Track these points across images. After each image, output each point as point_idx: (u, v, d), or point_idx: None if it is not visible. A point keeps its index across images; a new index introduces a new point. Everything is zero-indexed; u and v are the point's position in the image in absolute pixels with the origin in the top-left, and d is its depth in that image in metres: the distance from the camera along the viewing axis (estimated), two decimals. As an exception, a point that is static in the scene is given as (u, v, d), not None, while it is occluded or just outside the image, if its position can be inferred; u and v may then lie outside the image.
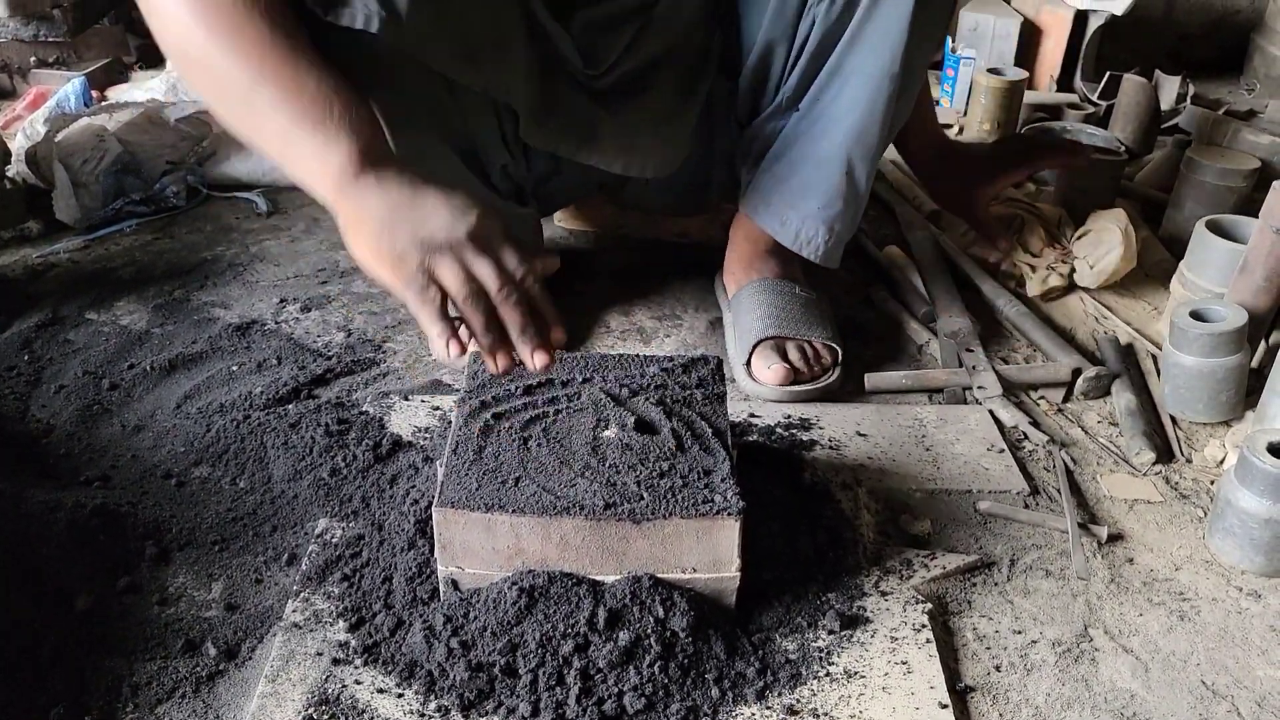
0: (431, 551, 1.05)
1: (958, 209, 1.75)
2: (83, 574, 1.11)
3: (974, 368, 1.52)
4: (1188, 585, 1.18)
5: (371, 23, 1.07)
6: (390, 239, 0.94)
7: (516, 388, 1.13)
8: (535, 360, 0.96)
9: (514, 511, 0.97)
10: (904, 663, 1.03)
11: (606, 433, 1.07)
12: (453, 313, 0.96)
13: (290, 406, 1.39)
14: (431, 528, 1.02)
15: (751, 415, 1.42)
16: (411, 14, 1.08)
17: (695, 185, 1.63)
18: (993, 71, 2.29)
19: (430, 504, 1.07)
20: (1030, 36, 2.59)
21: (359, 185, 0.96)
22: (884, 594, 1.11)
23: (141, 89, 2.14)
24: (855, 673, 1.01)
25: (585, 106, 1.36)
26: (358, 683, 0.99)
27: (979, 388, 1.48)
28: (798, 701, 0.98)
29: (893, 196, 2.02)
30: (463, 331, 1.52)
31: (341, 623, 1.05)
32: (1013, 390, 1.49)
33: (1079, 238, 1.75)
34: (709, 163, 1.55)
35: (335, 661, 1.01)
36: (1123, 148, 2.10)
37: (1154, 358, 1.56)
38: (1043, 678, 1.05)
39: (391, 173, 0.97)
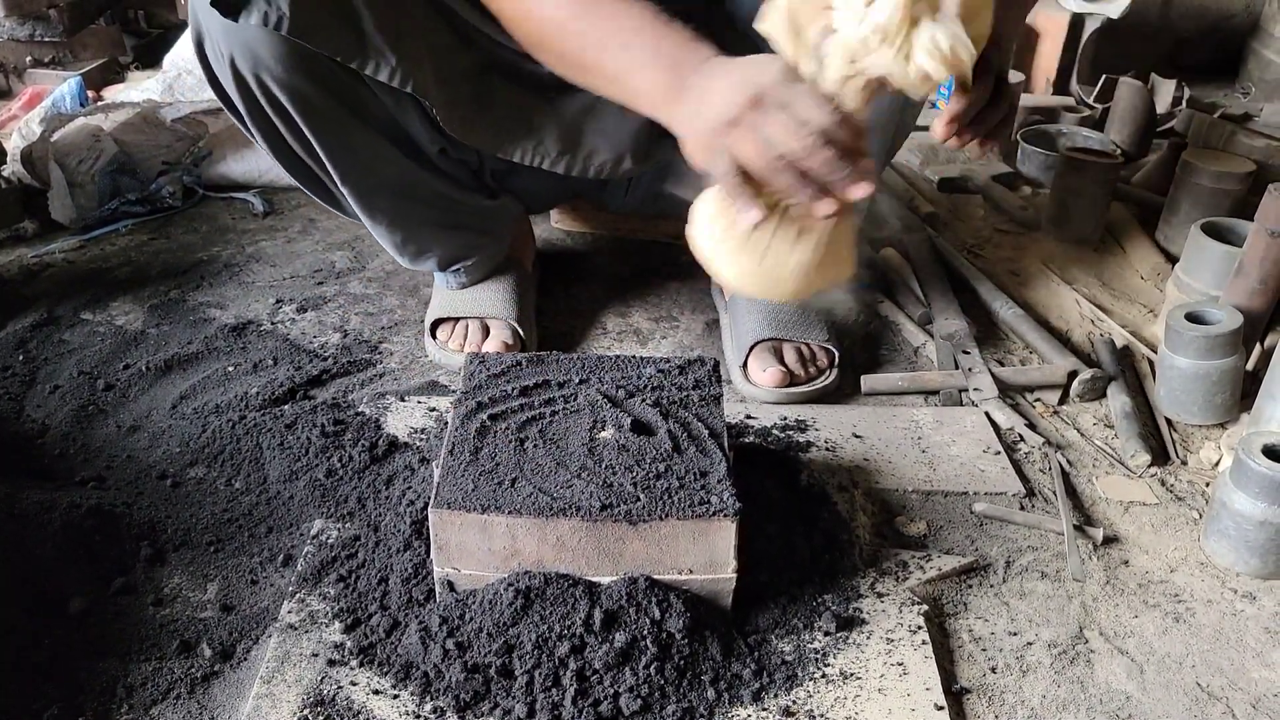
0: (427, 553, 1.05)
1: None
2: (77, 575, 1.11)
3: (970, 370, 1.52)
4: (1183, 587, 1.18)
5: (261, 18, 1.11)
6: (727, 94, 0.96)
7: (513, 389, 1.13)
8: (859, 191, 0.97)
9: (510, 513, 0.97)
10: (900, 664, 1.03)
11: (603, 434, 1.07)
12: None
13: (286, 407, 1.39)
14: (427, 529, 1.01)
15: (748, 417, 1.42)
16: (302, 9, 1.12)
17: (680, 184, 1.61)
18: (989, 74, 2.29)
19: (426, 505, 1.07)
20: (1027, 40, 2.60)
21: (689, 85, 1.01)
22: (880, 595, 1.11)
23: (137, 89, 2.13)
24: (851, 674, 1.01)
25: (523, 100, 1.34)
26: (353, 684, 0.99)
27: (975, 390, 1.48)
28: (794, 703, 0.98)
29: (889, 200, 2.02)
30: (457, 332, 1.54)
31: (337, 624, 1.05)
32: (1008, 392, 1.49)
33: None
34: (687, 168, 1.51)
35: (331, 663, 1.01)
36: (1118, 151, 2.11)
37: (1149, 360, 1.56)
38: (1038, 679, 1.05)
39: (713, 63, 1.01)
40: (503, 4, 1.12)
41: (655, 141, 1.43)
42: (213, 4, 1.12)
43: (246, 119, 1.28)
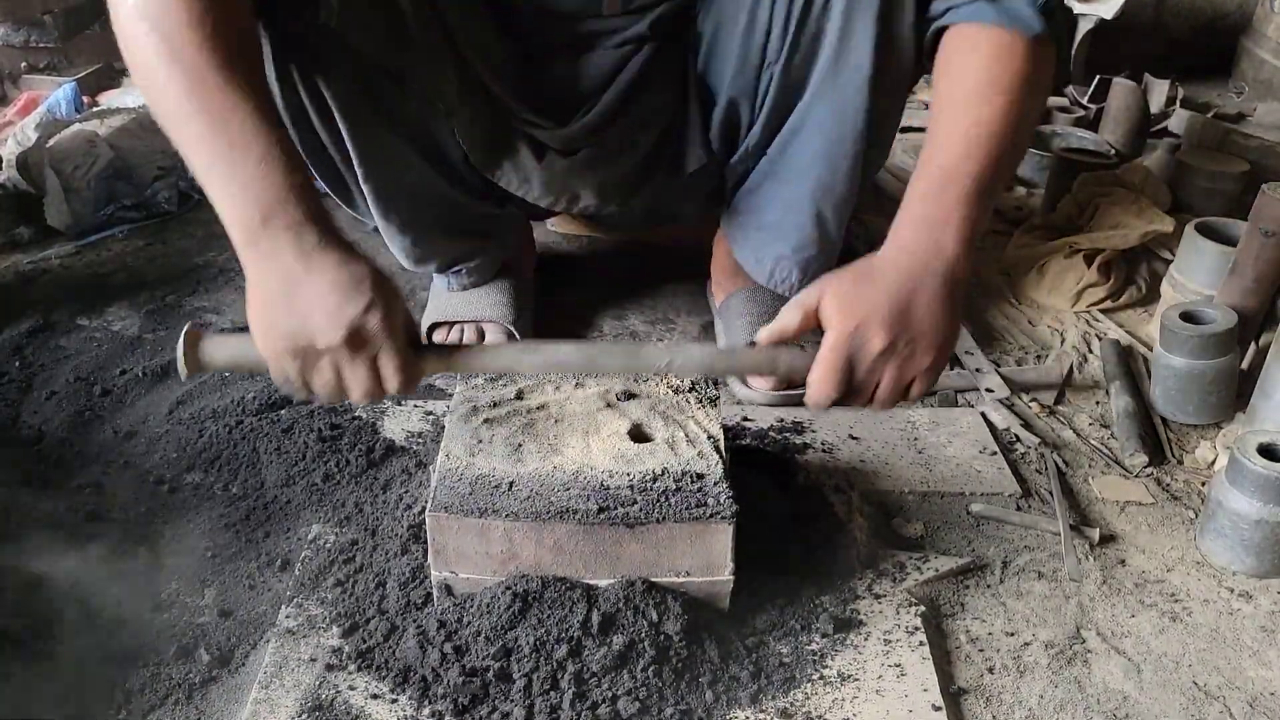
0: (425, 557, 1.05)
1: None
2: (75, 581, 1.11)
3: (977, 370, 1.52)
4: (1179, 587, 1.18)
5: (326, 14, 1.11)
6: (270, 328, 0.95)
7: (510, 392, 1.13)
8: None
9: (508, 516, 0.97)
10: (897, 665, 1.03)
11: (600, 437, 1.07)
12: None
13: (283, 412, 1.38)
14: (425, 533, 1.02)
15: (744, 419, 1.42)
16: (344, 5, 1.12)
17: (665, 214, 1.62)
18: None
19: (424, 509, 1.07)
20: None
21: (260, 243, 0.94)
22: (877, 597, 1.11)
23: (133, 94, 2.13)
24: (849, 675, 1.02)
25: (519, 146, 1.35)
26: (351, 688, 0.99)
27: (986, 390, 1.49)
28: (791, 705, 0.98)
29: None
30: (452, 336, 1.54)
31: (335, 628, 1.05)
32: (1014, 392, 1.50)
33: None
34: (677, 193, 1.53)
35: (329, 667, 1.01)
36: (1112, 151, 2.12)
37: (1145, 360, 1.57)
38: (1036, 680, 1.05)
39: (293, 234, 0.94)
40: (123, 50, 1.01)
41: (640, 186, 1.46)
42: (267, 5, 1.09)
43: (281, 108, 1.25)
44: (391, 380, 0.96)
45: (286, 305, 0.93)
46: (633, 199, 1.47)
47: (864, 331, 0.98)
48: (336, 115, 1.26)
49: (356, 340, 0.93)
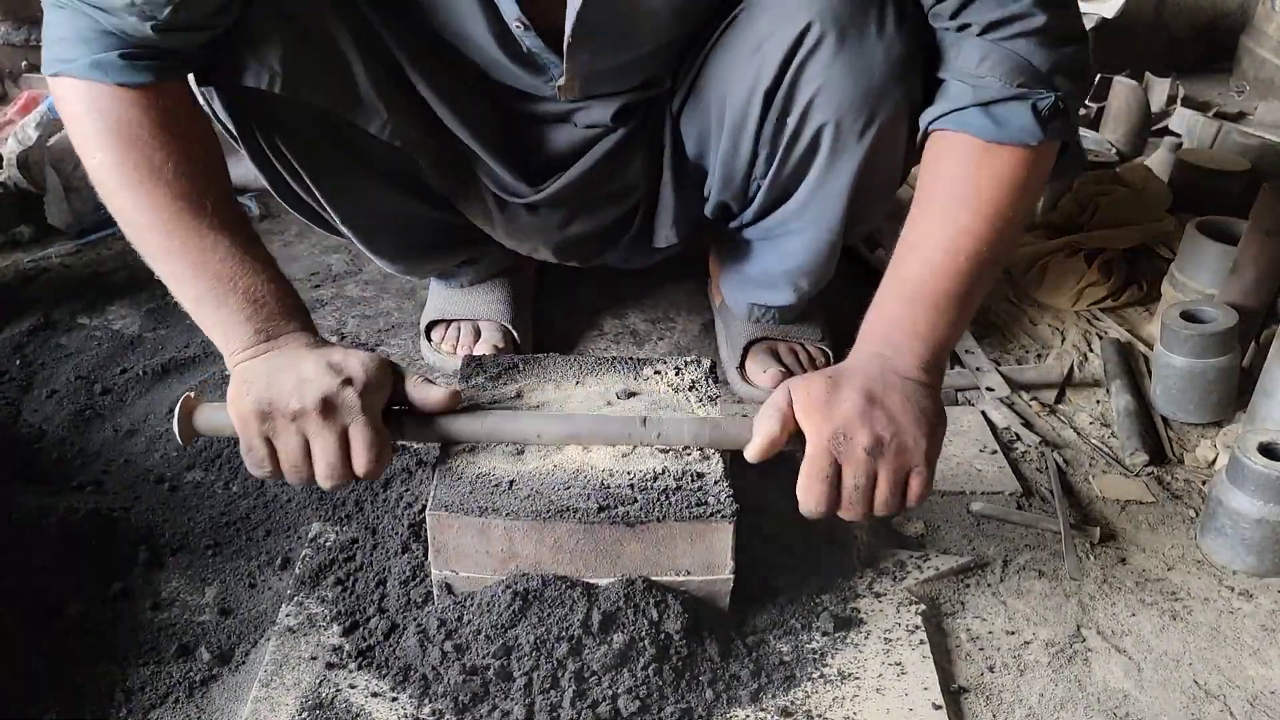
0: (425, 555, 1.05)
1: None
2: (75, 579, 1.11)
3: (978, 369, 1.52)
4: (1180, 585, 1.18)
5: (260, 80, 1.10)
6: (244, 395, 0.95)
7: (511, 391, 1.13)
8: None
9: (508, 515, 0.97)
10: (898, 664, 1.03)
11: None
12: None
13: (283, 410, 1.38)
14: (425, 531, 1.02)
15: (744, 417, 1.41)
16: (286, 66, 1.11)
17: (643, 256, 1.62)
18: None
19: (424, 508, 1.07)
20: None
21: (254, 352, 1.00)
22: (878, 595, 1.11)
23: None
24: (849, 674, 1.01)
25: (487, 197, 1.33)
26: (352, 687, 0.99)
27: (987, 389, 1.49)
28: (792, 703, 0.98)
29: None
30: (449, 334, 1.54)
31: (335, 627, 1.05)
32: (1016, 390, 1.50)
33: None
34: (644, 255, 1.52)
35: (329, 665, 1.01)
36: (1113, 150, 2.12)
37: (1146, 359, 1.57)
38: (1036, 678, 1.05)
39: (280, 342, 1.00)
40: (102, 200, 1.05)
41: (603, 251, 1.45)
42: (200, 81, 1.12)
43: (248, 157, 1.26)
44: (360, 457, 0.95)
45: (266, 378, 0.96)
46: (593, 259, 1.47)
47: (845, 433, 0.94)
48: (298, 166, 1.24)
49: (327, 407, 0.93)
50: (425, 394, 1.00)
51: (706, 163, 1.33)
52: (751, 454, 0.99)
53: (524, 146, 1.30)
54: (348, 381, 0.95)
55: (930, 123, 1.07)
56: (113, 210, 1.03)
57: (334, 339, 1.59)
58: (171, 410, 1.00)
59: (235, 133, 1.21)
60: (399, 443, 1.06)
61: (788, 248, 1.36)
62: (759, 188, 1.30)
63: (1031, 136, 1.00)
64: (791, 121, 1.18)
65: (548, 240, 1.39)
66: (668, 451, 1.04)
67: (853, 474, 0.95)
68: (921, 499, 0.98)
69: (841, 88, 1.12)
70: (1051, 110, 1.01)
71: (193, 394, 1.02)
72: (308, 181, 1.26)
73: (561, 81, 1.20)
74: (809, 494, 0.96)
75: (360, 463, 0.96)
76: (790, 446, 0.98)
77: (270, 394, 0.94)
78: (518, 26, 1.12)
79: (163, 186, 0.99)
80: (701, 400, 1.12)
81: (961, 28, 1.04)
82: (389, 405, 1.00)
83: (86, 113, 1.00)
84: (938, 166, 1.06)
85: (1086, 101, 2.39)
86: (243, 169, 2.03)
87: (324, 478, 0.96)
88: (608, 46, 1.17)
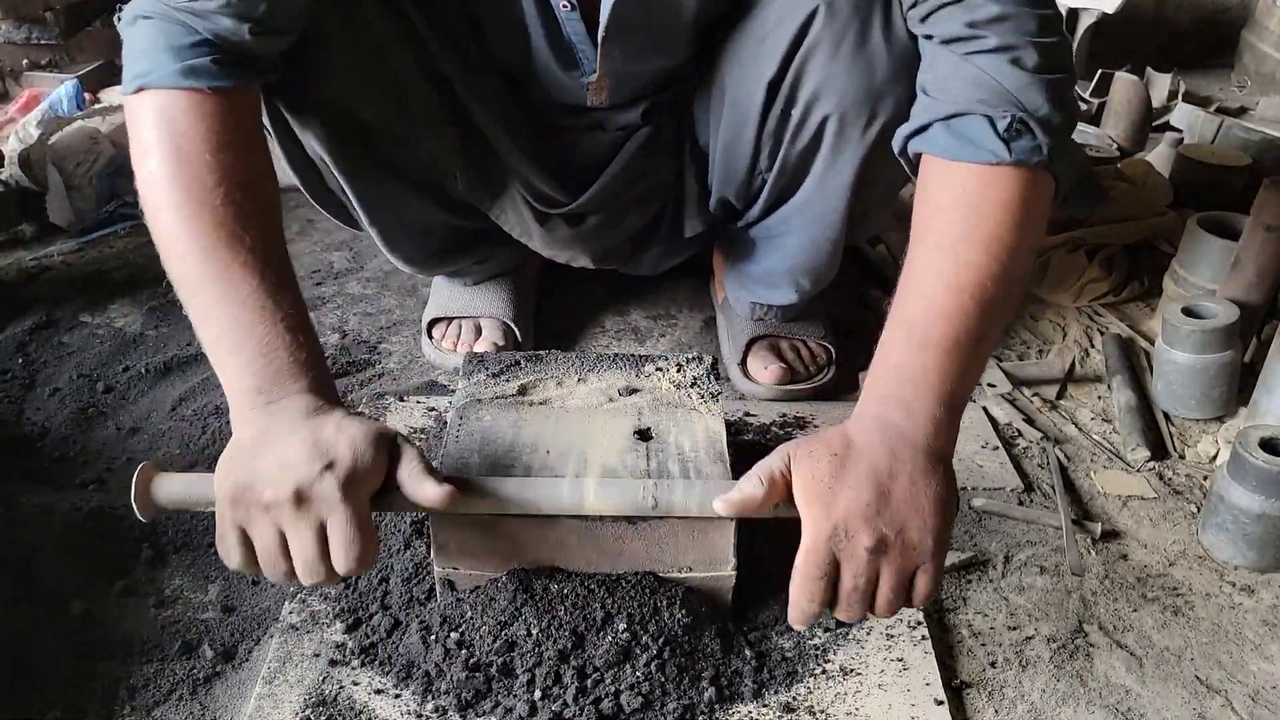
0: (428, 552, 1.05)
1: None
2: (79, 577, 1.11)
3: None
4: (1181, 581, 1.18)
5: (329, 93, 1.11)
6: (225, 476, 0.88)
7: (513, 388, 1.13)
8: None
9: (510, 512, 0.97)
10: (900, 659, 1.03)
11: (602, 433, 1.07)
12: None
13: (285, 408, 1.38)
14: (427, 528, 1.02)
15: (747, 414, 1.42)
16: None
17: (673, 254, 1.63)
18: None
19: (426, 505, 1.07)
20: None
21: (253, 414, 0.91)
22: (879, 591, 1.11)
23: (134, 91, 2.13)
24: (851, 670, 1.02)
25: (522, 205, 1.35)
26: (355, 683, 0.99)
27: (988, 385, 1.49)
28: (794, 699, 0.98)
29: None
30: (450, 332, 1.54)
31: (339, 623, 1.05)
32: (1018, 386, 1.50)
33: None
34: (674, 253, 1.54)
35: (332, 662, 1.01)
36: (1114, 145, 2.12)
37: (1147, 355, 1.57)
38: (1038, 674, 1.05)
39: (280, 406, 0.90)
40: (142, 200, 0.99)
41: (639, 252, 1.48)
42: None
43: (282, 155, 1.26)
44: (341, 556, 0.86)
45: (251, 456, 0.88)
46: (630, 261, 1.50)
47: (847, 531, 0.86)
48: (334, 168, 1.25)
49: (301, 499, 0.85)
50: (419, 490, 0.89)
51: (717, 165, 1.34)
52: (720, 507, 0.91)
53: (559, 158, 1.32)
54: (329, 467, 0.85)
55: (905, 141, 1.04)
56: (154, 232, 0.98)
57: (335, 336, 1.59)
58: (129, 483, 0.91)
59: (270, 129, 1.21)
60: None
61: (790, 246, 1.37)
62: (762, 182, 1.30)
63: (992, 154, 0.94)
64: (796, 113, 1.18)
65: (586, 248, 1.40)
66: (670, 448, 1.04)
67: (852, 574, 0.88)
68: (928, 599, 0.91)
69: (846, 81, 1.13)
70: (1012, 128, 0.94)
71: (152, 463, 0.94)
72: (340, 180, 1.27)
73: (594, 78, 1.22)
74: (803, 592, 0.88)
75: (339, 560, 0.86)
76: (769, 515, 0.92)
77: (248, 479, 0.87)
78: (564, 7, 1.13)
79: (207, 211, 0.94)
80: (703, 396, 1.13)
81: (928, 37, 1.02)
82: (383, 488, 0.90)
83: (156, 123, 0.96)
84: (926, 194, 1.00)
85: (1088, 96, 2.39)
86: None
87: (301, 574, 0.88)
88: (639, 42, 1.19)
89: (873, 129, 1.15)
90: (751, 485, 0.90)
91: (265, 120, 1.18)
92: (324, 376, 0.96)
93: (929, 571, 0.89)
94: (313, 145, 1.23)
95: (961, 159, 0.96)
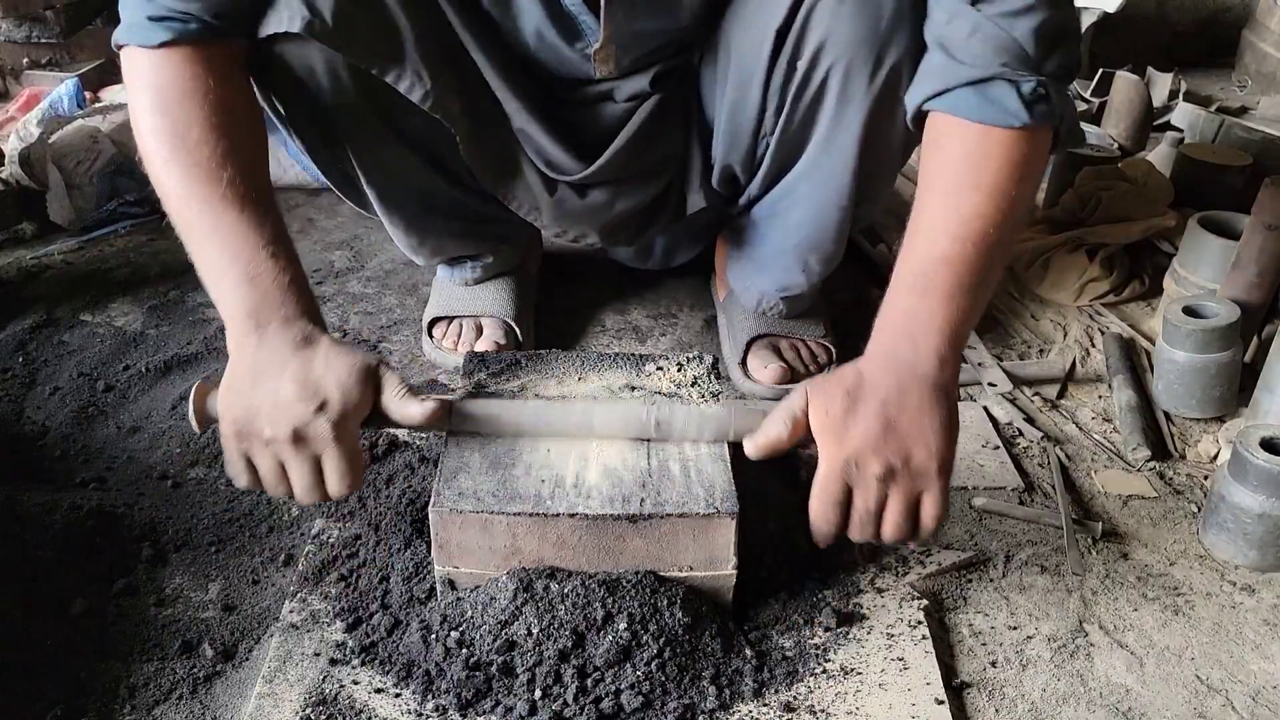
0: (428, 551, 1.05)
1: None
2: (79, 576, 1.11)
3: (980, 365, 1.52)
4: (1182, 580, 1.18)
5: (294, 23, 1.10)
6: (226, 410, 0.98)
7: (513, 386, 1.13)
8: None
9: (510, 511, 0.97)
10: (900, 659, 1.03)
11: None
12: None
13: (286, 407, 1.38)
14: (428, 527, 1.02)
15: (756, 410, 1.41)
16: (335, 17, 1.12)
17: (669, 254, 1.66)
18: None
19: (427, 504, 1.07)
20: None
21: (245, 340, 0.99)
22: (880, 591, 1.11)
23: (135, 90, 2.13)
24: (852, 669, 1.02)
25: (533, 176, 1.35)
26: (355, 682, 0.99)
27: (989, 384, 1.49)
28: (795, 698, 0.98)
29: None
30: (451, 331, 1.54)
31: (339, 623, 1.05)
32: (1019, 385, 1.50)
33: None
34: (679, 235, 1.55)
35: (333, 661, 1.01)
36: (1115, 145, 2.11)
37: (1148, 354, 1.57)
38: (1038, 673, 1.05)
39: (278, 330, 0.99)
40: (141, 148, 1.06)
41: (645, 229, 1.47)
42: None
43: (284, 120, 1.28)
44: (335, 483, 0.98)
45: (248, 393, 0.97)
46: (637, 240, 1.50)
47: (858, 461, 0.96)
48: (335, 126, 1.26)
49: (299, 437, 0.96)
50: (405, 411, 1.00)
51: (722, 130, 1.33)
52: (751, 450, 1.00)
53: (569, 129, 1.32)
54: (321, 408, 0.95)
55: (923, 103, 1.07)
56: (153, 183, 1.05)
57: (336, 335, 1.59)
58: (185, 396, 1.02)
59: (274, 87, 1.22)
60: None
61: (796, 219, 1.36)
62: (766, 146, 1.30)
63: (1017, 119, 1.01)
64: (801, 65, 1.18)
65: (595, 222, 1.40)
66: (671, 446, 1.04)
67: (863, 499, 0.97)
68: (936, 520, 0.98)
69: (851, 28, 1.13)
70: (1034, 94, 1.01)
71: (207, 382, 1.03)
72: (344, 148, 1.29)
73: (598, 45, 1.21)
74: (819, 517, 0.98)
75: (333, 487, 0.99)
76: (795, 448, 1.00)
77: (246, 415, 0.97)
78: None
79: (182, 153, 1.01)
80: (703, 394, 1.12)
81: None
82: (371, 414, 1.00)
83: (135, 81, 1.05)
84: (938, 150, 1.06)
85: (1089, 96, 2.39)
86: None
87: (300, 497, 1.00)
88: (642, 6, 1.19)
89: (879, 78, 1.15)
90: (776, 427, 0.99)
91: (265, 101, 1.21)
92: (309, 300, 1.03)
93: (934, 494, 0.97)
94: (315, 103, 1.23)
95: (984, 121, 1.01)
